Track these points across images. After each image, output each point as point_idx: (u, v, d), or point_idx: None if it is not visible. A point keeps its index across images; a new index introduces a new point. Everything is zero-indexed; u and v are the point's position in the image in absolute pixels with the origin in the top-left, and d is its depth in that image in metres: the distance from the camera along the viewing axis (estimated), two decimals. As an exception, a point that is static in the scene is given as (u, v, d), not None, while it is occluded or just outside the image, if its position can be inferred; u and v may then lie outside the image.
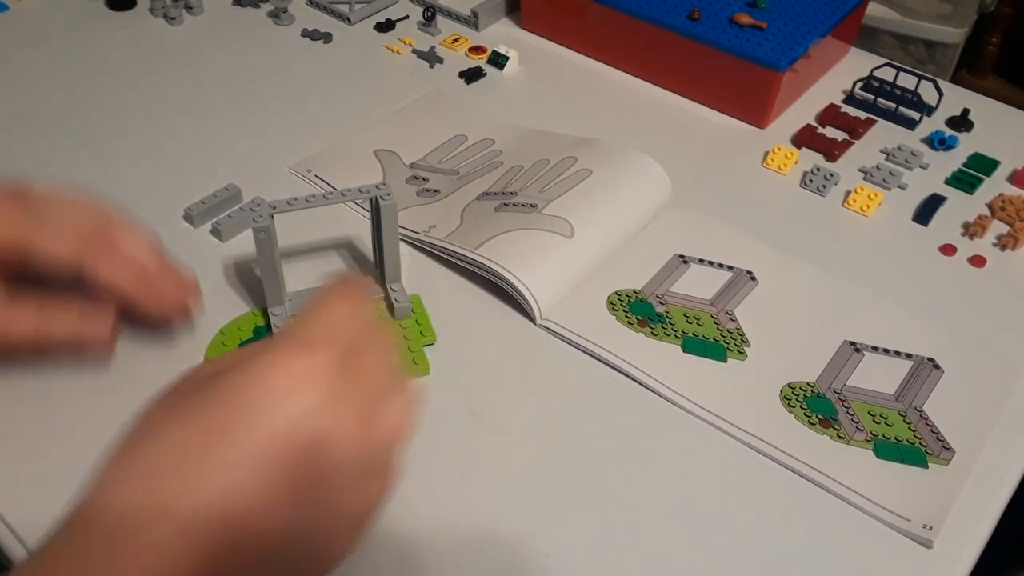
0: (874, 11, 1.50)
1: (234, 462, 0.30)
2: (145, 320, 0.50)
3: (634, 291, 0.57)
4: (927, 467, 0.48)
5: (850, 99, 0.75)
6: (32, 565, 0.30)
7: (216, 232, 0.59)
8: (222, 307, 0.54)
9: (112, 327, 0.48)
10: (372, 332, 0.35)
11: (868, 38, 1.54)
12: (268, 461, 0.30)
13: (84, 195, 0.48)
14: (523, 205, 0.59)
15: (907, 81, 0.73)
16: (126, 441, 0.32)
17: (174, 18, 0.79)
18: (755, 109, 0.71)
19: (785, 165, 0.67)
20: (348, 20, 0.81)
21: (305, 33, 0.79)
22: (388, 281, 0.54)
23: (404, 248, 0.57)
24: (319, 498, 0.31)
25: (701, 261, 0.59)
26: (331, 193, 0.52)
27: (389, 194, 0.51)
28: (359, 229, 0.60)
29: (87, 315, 0.48)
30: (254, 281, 0.55)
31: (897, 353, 0.54)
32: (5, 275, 0.46)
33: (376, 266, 0.55)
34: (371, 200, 0.51)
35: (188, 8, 0.81)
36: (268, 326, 0.52)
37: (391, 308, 0.54)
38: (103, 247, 0.47)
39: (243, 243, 0.58)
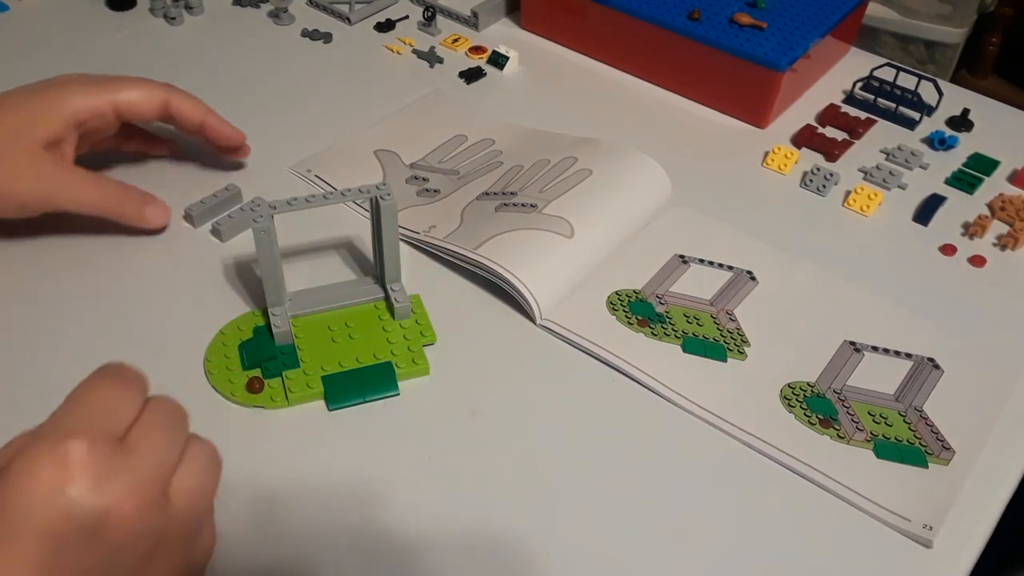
0: (874, 11, 1.50)
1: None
2: (218, 146, 0.62)
3: (634, 291, 0.57)
4: (927, 467, 0.48)
5: (850, 99, 0.75)
6: None
7: (216, 232, 0.59)
8: (222, 307, 0.54)
9: (167, 211, 0.59)
10: (147, 408, 0.34)
11: (868, 38, 1.54)
12: (39, 567, 0.29)
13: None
14: (523, 205, 0.59)
15: (907, 81, 0.73)
16: None
17: (174, 18, 0.79)
18: (755, 109, 0.71)
19: (785, 165, 0.67)
20: (348, 20, 0.81)
21: (305, 33, 0.79)
22: (388, 281, 0.54)
23: (404, 248, 0.57)
24: None
25: (701, 261, 0.59)
26: (331, 193, 0.52)
27: (389, 194, 0.51)
28: (359, 229, 0.60)
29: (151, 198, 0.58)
30: (254, 281, 0.55)
31: (897, 353, 0.54)
32: (97, 144, 0.59)
33: (376, 266, 0.55)
34: (371, 200, 0.51)
35: (188, 8, 0.81)
36: (268, 326, 0.52)
37: (391, 308, 0.54)
38: (175, 92, 0.59)
39: (243, 243, 0.59)
